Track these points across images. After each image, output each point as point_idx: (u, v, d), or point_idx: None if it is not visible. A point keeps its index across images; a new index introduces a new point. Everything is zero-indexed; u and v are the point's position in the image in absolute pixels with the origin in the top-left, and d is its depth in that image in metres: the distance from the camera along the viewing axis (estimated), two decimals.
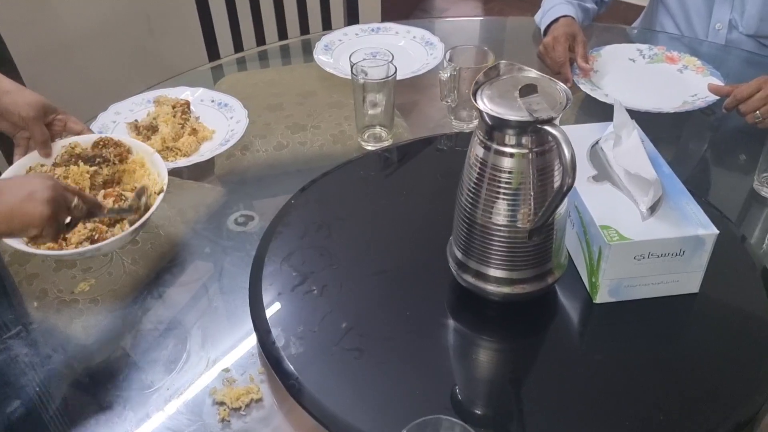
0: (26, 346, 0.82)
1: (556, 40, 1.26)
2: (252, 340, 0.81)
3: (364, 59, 1.10)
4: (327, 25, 1.75)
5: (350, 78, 1.09)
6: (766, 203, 1.02)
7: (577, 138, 0.82)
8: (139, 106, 1.19)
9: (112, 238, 0.86)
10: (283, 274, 0.85)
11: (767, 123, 1.10)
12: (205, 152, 1.09)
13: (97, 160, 0.97)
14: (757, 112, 1.10)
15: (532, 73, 0.73)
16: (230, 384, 0.77)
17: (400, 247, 0.90)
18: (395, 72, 1.07)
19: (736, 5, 1.35)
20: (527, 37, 1.49)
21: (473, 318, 0.81)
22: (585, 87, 1.21)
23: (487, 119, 0.70)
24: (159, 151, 1.06)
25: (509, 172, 0.71)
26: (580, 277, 0.83)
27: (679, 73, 1.27)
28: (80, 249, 0.86)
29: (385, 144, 1.12)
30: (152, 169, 0.99)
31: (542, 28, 1.36)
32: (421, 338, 0.78)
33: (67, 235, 0.87)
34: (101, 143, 1.00)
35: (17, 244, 0.85)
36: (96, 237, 0.88)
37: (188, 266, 0.94)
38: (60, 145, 1.00)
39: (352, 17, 1.74)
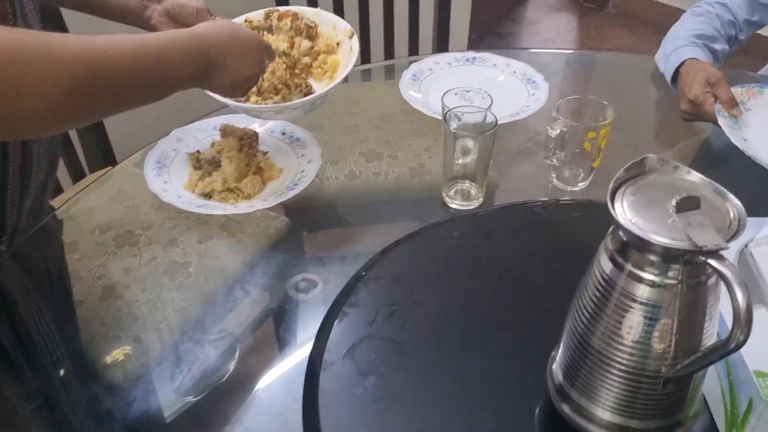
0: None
1: (696, 101, 1.06)
2: None
3: (456, 105, 0.95)
4: (414, 49, 1.60)
5: (440, 117, 0.95)
6: None
7: None
8: (204, 133, 1.07)
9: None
10: (345, 372, 0.71)
11: None
12: (269, 196, 0.96)
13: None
14: None
15: (692, 176, 0.56)
16: None
17: (489, 349, 0.74)
18: (496, 123, 0.91)
19: None
20: (645, 79, 1.30)
21: None
22: (724, 122, 1.02)
23: (624, 236, 0.54)
24: (219, 192, 0.95)
25: (646, 305, 0.54)
26: (715, 424, 0.66)
27: None
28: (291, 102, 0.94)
29: (474, 204, 0.97)
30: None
31: (668, 77, 1.16)
32: None
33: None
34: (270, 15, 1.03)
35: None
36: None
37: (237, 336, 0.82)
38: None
39: (442, 40, 1.59)
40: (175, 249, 0.93)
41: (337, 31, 1.05)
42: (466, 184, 0.98)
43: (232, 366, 0.80)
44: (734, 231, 0.51)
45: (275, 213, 0.99)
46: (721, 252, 0.50)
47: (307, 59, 1.03)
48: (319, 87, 1.00)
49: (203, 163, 1.00)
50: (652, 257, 0.53)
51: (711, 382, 0.67)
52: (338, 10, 1.54)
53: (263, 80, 0.96)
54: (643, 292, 0.54)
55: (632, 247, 0.54)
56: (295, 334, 0.84)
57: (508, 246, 0.88)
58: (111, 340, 0.81)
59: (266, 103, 0.96)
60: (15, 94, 0.57)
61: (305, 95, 0.97)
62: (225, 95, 0.86)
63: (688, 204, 0.52)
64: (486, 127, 0.93)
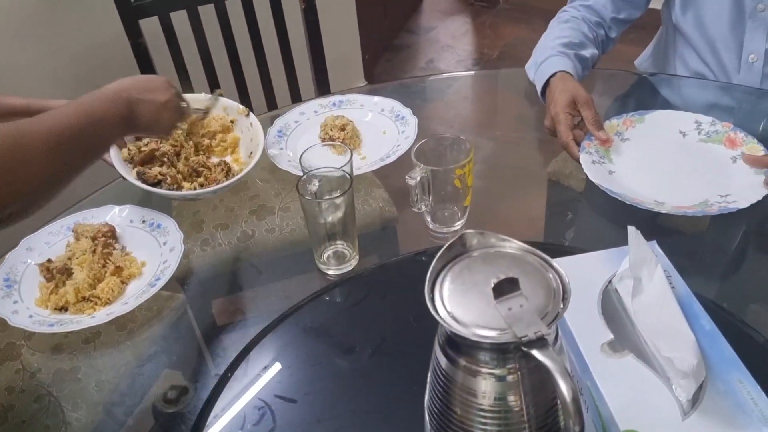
0: None
1: (555, 119, 1.03)
2: None
3: (315, 165, 0.90)
4: (296, 94, 1.56)
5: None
6: None
7: (581, 274, 0.64)
8: (56, 236, 0.99)
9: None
10: None
11: None
12: (129, 298, 0.89)
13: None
14: None
15: (510, 247, 0.52)
16: None
17: None
18: (351, 183, 0.86)
19: None
20: (520, 92, 1.27)
21: None
22: (586, 159, 0.98)
23: (447, 332, 0.49)
24: (73, 304, 0.88)
25: (488, 398, 0.50)
26: None
27: (731, 162, 0.99)
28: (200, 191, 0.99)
29: (351, 265, 0.92)
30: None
31: (538, 88, 1.14)
32: None
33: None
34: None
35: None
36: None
37: None
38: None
39: (321, 81, 1.54)
40: (61, 355, 0.86)
41: (229, 112, 1.13)
42: (339, 246, 0.93)
43: None
44: (555, 312, 0.47)
45: (168, 291, 0.93)
46: (546, 338, 0.46)
47: (206, 141, 1.11)
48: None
49: (54, 273, 0.92)
50: (482, 352, 0.48)
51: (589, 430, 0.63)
52: (206, 63, 1.48)
53: (179, 169, 1.04)
54: (482, 385, 0.50)
55: (460, 341, 0.49)
56: None
57: (385, 311, 0.83)
58: None
59: (194, 188, 1.02)
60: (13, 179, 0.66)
61: (226, 171, 1.04)
62: (156, 128, 0.92)
63: (506, 288, 0.48)
64: (346, 184, 0.88)
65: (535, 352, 0.45)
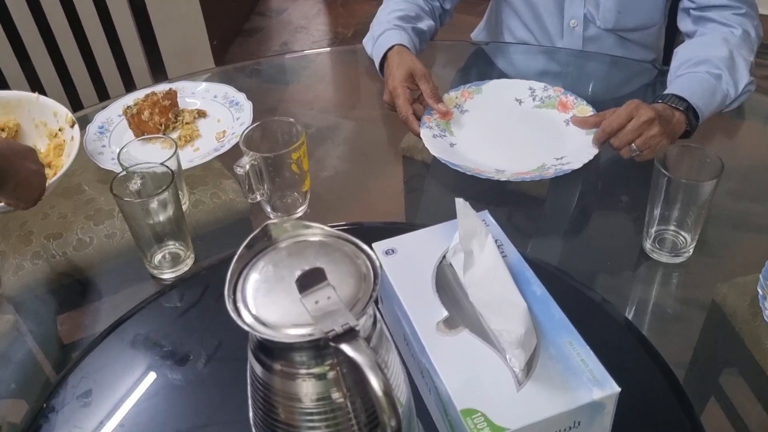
0: None
1: (394, 93, 1.01)
2: None
3: (134, 162, 0.82)
4: (130, 84, 1.43)
5: None
6: (659, 267, 0.83)
7: (416, 252, 0.64)
8: None
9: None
10: None
11: (646, 155, 0.91)
12: None
13: None
14: (633, 145, 0.90)
15: (314, 235, 0.48)
16: None
17: None
18: (173, 177, 0.79)
19: None
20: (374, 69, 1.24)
21: None
22: (427, 134, 0.97)
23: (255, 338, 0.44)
24: None
25: (311, 399, 0.46)
26: None
27: (564, 125, 1.01)
28: None
29: (188, 265, 0.85)
30: None
31: (376, 62, 1.11)
32: None
33: None
34: None
35: None
36: None
37: None
38: None
39: (157, 68, 1.43)
40: None
41: (59, 118, 1.02)
42: (171, 247, 0.85)
43: None
44: (366, 300, 0.43)
45: None
46: (357, 329, 0.42)
47: None
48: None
49: None
50: (296, 353, 0.44)
51: (433, 412, 0.61)
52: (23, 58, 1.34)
53: None
54: (302, 388, 0.45)
55: (272, 345, 0.45)
56: None
57: (221, 311, 0.76)
58: None
59: None
60: None
61: None
62: (23, 198, 0.84)
63: (312, 279, 0.44)
64: (168, 179, 0.80)
65: (343, 347, 0.41)
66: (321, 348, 0.44)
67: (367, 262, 0.46)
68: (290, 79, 1.32)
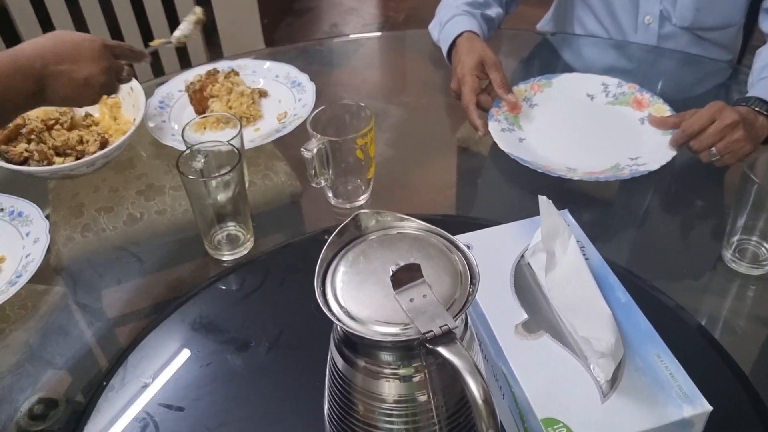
0: None
1: (462, 81, 0.97)
2: None
3: (199, 140, 0.80)
4: (185, 61, 1.42)
5: None
6: (737, 278, 0.78)
7: (492, 250, 0.61)
8: None
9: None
10: None
11: (727, 160, 0.87)
12: None
13: None
14: (713, 149, 0.86)
15: (410, 227, 0.45)
16: None
17: None
18: (239, 157, 0.77)
19: None
20: (425, 55, 1.20)
21: None
22: (495, 127, 0.94)
23: (341, 331, 0.42)
24: None
25: (393, 401, 0.44)
26: None
27: (639, 123, 0.95)
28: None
29: (247, 249, 0.83)
30: None
31: (444, 49, 1.07)
32: None
33: None
34: None
35: None
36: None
37: None
38: None
39: (213, 43, 1.42)
40: None
41: None
42: (231, 229, 0.84)
43: None
44: (463, 301, 0.41)
45: (44, 285, 0.81)
46: (454, 332, 0.40)
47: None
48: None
49: None
50: (383, 352, 0.42)
51: (506, 417, 0.59)
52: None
53: (50, 144, 0.93)
54: (385, 388, 0.43)
55: (358, 340, 0.43)
56: None
57: (283, 298, 0.75)
58: None
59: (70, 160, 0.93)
60: None
61: (102, 143, 0.95)
62: (74, 104, 0.83)
63: (407, 276, 0.41)
64: (234, 159, 0.78)
65: (441, 349, 0.39)
66: (411, 348, 0.42)
67: (463, 260, 0.43)
68: (337, 62, 1.30)
